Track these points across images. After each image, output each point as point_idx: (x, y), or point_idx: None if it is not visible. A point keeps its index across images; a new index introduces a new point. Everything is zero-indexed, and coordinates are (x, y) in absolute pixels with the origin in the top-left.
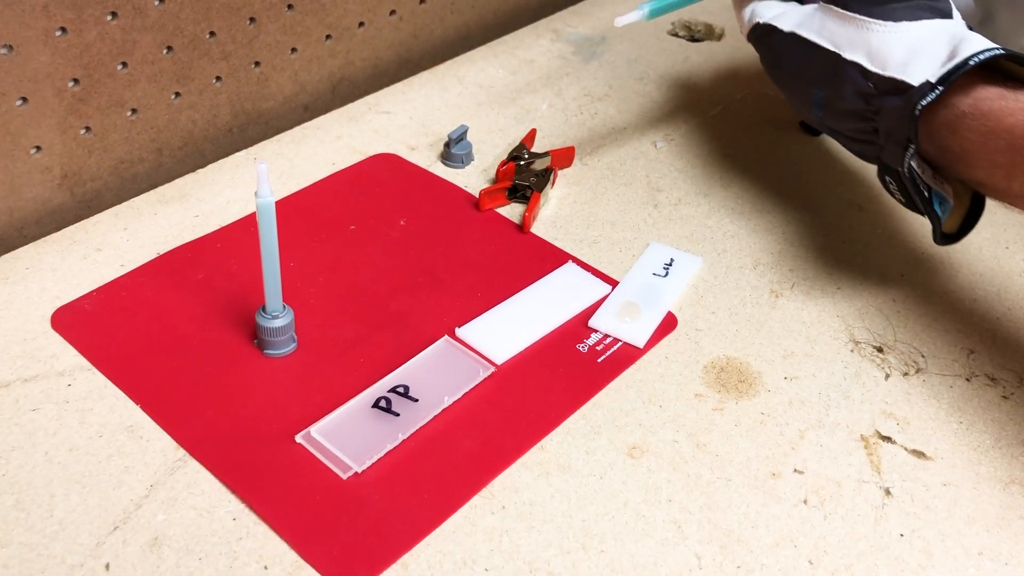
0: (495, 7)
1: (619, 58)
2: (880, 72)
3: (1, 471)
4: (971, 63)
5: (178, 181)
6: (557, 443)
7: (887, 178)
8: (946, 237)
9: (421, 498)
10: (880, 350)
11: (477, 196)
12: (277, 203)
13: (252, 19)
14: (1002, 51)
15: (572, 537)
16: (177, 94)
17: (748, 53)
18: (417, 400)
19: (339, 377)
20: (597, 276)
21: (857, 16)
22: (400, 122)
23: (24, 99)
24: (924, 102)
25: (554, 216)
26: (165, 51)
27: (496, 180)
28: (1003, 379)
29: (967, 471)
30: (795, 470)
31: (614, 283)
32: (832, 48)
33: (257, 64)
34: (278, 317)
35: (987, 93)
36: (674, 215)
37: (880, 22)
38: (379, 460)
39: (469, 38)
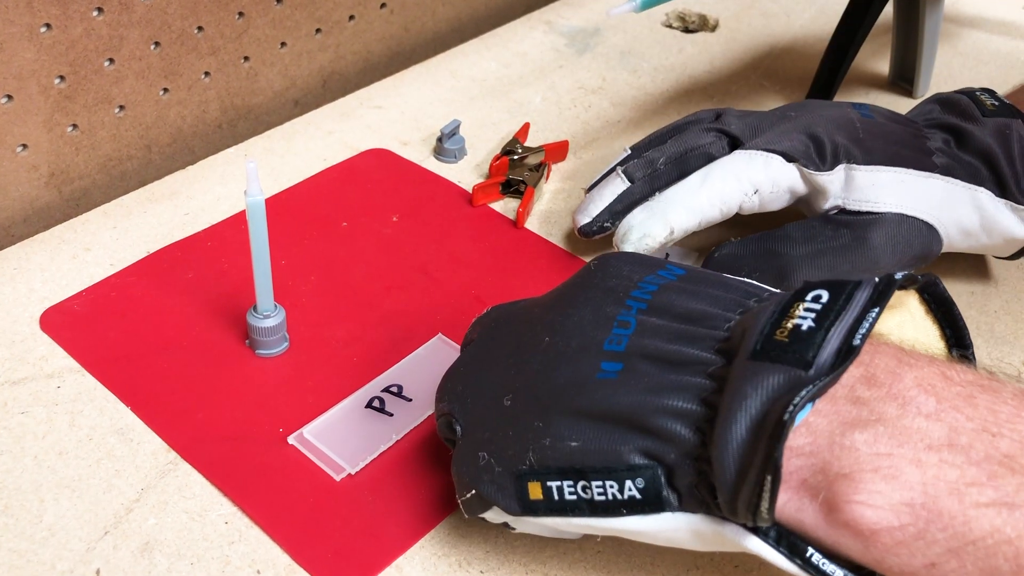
0: None
1: (612, 50)
2: None
3: None
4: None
5: (167, 178)
6: None
7: None
8: None
9: (416, 499)
10: None
11: (470, 191)
12: (267, 200)
13: (241, 13)
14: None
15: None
16: (165, 90)
17: (743, 44)
18: (411, 400)
19: (332, 377)
20: None
21: None
22: (392, 117)
23: (9, 97)
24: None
25: (548, 211)
26: (153, 47)
27: (489, 175)
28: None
29: None
30: None
31: None
32: None
33: (246, 59)
34: (269, 316)
35: None
36: None
37: None
38: (373, 461)
39: (461, 31)
